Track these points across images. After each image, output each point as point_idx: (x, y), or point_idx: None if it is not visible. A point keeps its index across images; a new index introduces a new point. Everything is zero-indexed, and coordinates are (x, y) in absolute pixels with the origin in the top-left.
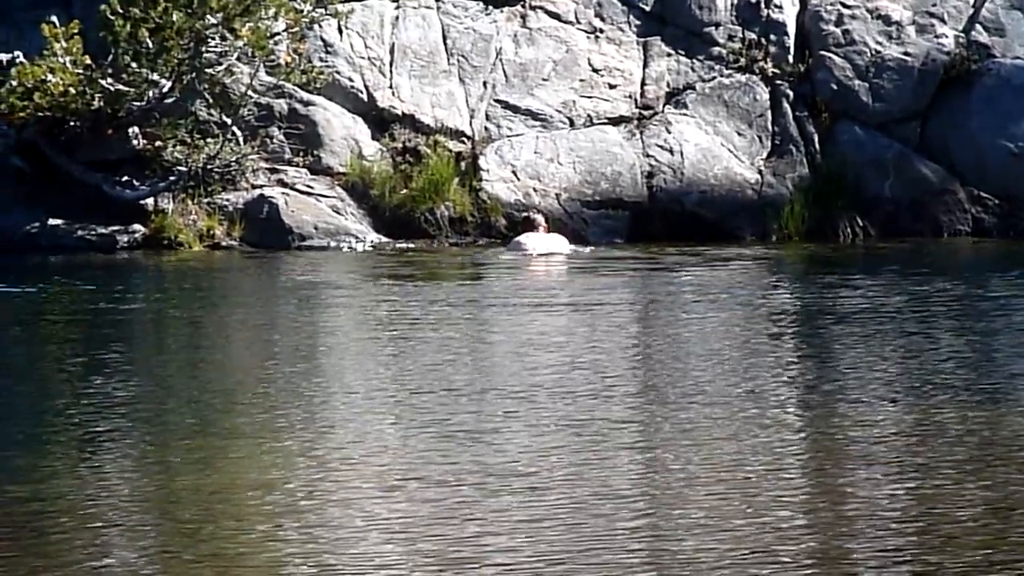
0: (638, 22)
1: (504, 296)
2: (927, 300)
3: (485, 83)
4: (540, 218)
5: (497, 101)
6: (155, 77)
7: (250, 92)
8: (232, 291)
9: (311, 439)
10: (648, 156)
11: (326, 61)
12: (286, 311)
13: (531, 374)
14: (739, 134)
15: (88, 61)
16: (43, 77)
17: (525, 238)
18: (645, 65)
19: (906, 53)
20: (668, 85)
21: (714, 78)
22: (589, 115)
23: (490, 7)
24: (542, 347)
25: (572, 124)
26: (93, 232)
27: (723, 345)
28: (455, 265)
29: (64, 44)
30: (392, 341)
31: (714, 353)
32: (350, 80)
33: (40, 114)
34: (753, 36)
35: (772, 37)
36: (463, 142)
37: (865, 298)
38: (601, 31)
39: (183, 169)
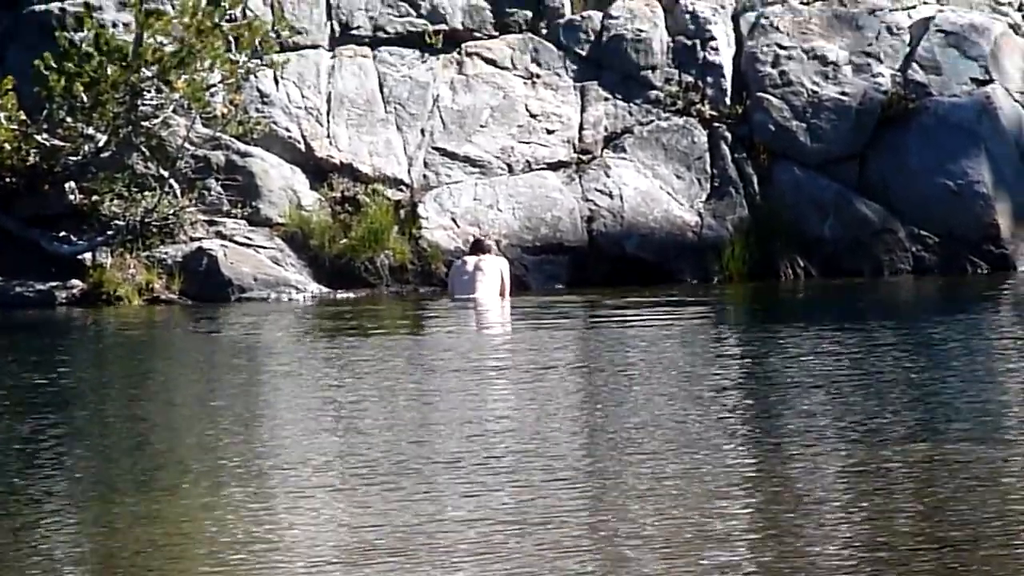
0: (575, 67)
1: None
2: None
3: (423, 131)
4: (491, 244)
5: (435, 148)
6: (91, 131)
7: (187, 144)
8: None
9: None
10: (587, 200)
11: (263, 112)
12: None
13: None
14: (678, 177)
15: (23, 116)
16: None
17: (467, 258)
18: (583, 110)
19: (843, 93)
20: (606, 129)
21: (652, 121)
22: (528, 161)
23: (426, 54)
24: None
25: (511, 170)
26: (31, 288)
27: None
28: (398, 316)
29: None
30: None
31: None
32: (287, 130)
33: None
34: (690, 79)
35: (709, 79)
36: (402, 190)
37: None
38: (538, 76)
39: (121, 223)
